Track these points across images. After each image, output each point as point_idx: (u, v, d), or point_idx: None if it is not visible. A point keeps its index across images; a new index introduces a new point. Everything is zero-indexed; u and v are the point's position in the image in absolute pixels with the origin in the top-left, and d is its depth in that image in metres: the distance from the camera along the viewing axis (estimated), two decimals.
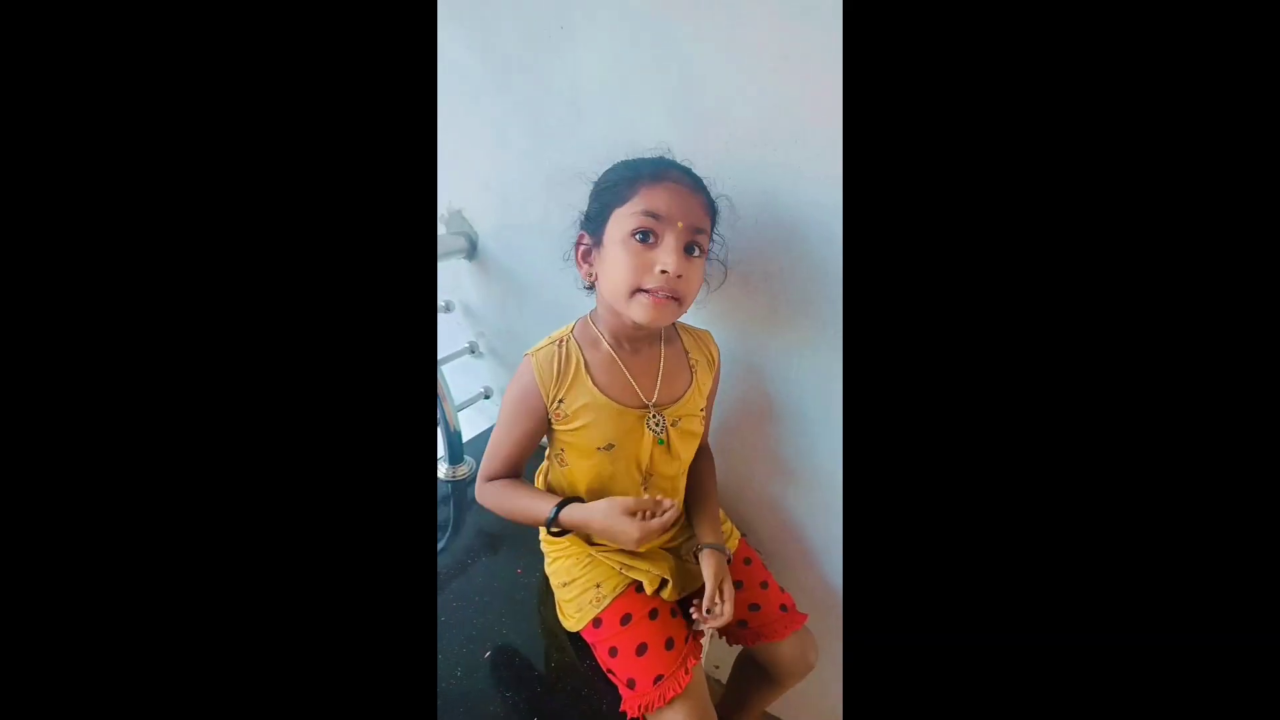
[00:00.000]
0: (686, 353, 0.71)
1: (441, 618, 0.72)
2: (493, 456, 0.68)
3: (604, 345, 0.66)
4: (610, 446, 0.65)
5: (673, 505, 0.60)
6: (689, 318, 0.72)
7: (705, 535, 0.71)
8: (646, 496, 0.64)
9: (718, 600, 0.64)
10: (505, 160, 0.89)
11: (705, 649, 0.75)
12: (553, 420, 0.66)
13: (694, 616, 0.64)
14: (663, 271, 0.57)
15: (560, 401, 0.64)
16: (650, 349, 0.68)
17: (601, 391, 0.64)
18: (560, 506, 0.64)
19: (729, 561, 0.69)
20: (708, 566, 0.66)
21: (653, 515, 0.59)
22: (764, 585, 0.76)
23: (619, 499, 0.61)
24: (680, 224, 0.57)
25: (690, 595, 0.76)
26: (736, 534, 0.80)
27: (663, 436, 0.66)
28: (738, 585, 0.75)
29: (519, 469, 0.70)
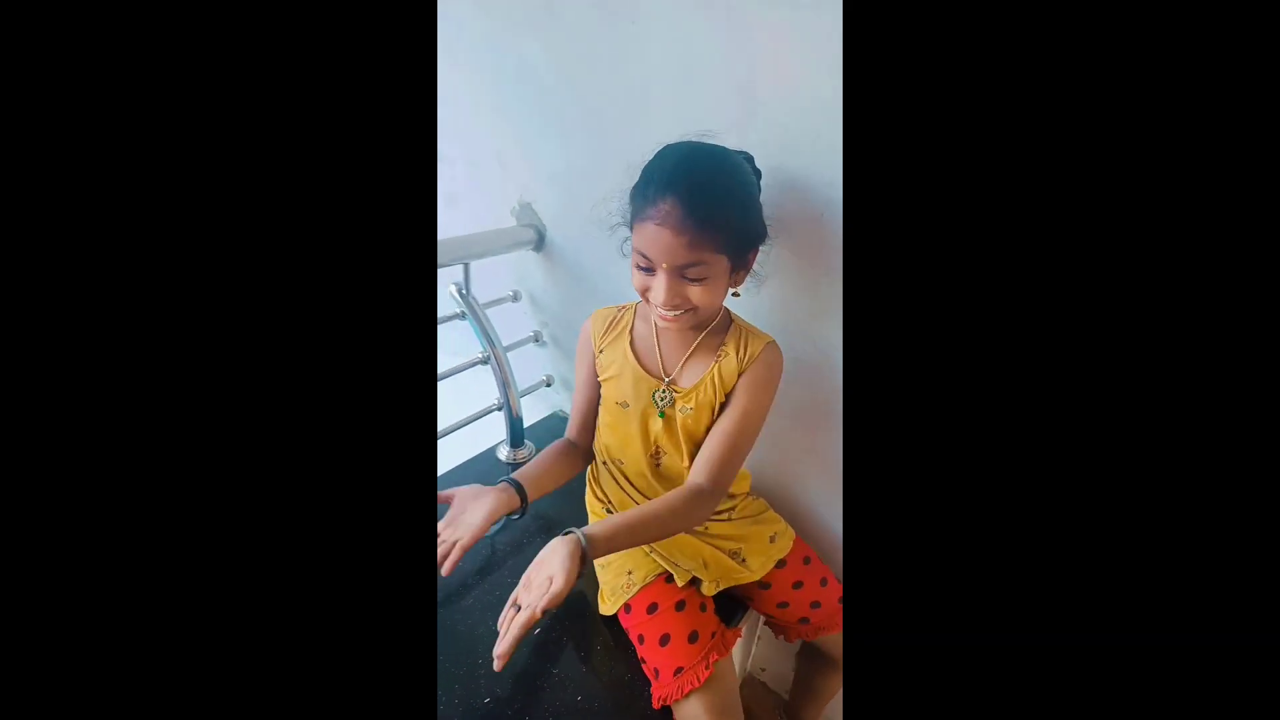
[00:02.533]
0: (723, 344, 0.68)
1: (496, 593, 0.75)
2: (573, 407, 0.78)
3: (651, 320, 0.69)
4: (626, 405, 0.71)
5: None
6: (746, 314, 0.72)
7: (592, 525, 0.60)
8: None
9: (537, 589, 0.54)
10: (571, 153, 0.91)
11: (753, 649, 0.74)
12: (597, 369, 0.73)
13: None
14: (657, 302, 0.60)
15: (601, 351, 0.73)
16: (687, 335, 0.68)
17: (633, 353, 0.70)
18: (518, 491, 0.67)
19: (583, 559, 0.56)
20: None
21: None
22: (824, 582, 0.77)
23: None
24: (665, 265, 0.58)
25: (729, 589, 0.75)
26: (790, 533, 0.80)
27: (663, 410, 0.68)
28: (798, 585, 0.76)
29: (591, 416, 0.77)
